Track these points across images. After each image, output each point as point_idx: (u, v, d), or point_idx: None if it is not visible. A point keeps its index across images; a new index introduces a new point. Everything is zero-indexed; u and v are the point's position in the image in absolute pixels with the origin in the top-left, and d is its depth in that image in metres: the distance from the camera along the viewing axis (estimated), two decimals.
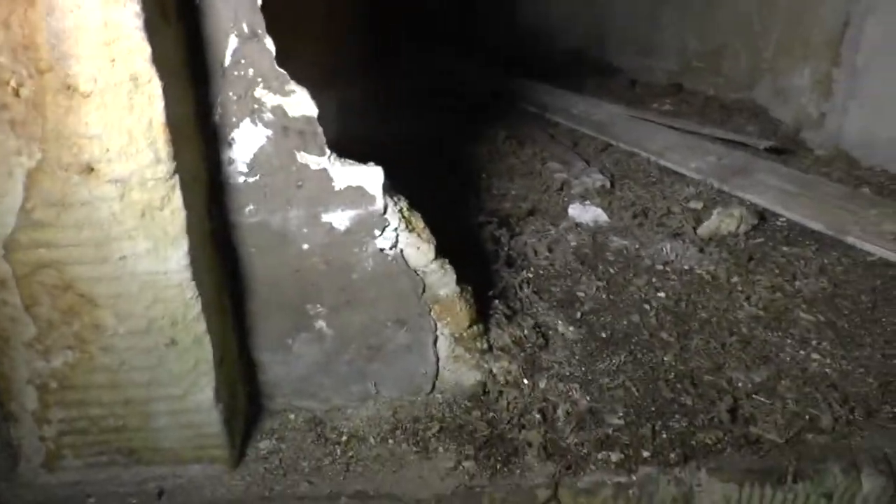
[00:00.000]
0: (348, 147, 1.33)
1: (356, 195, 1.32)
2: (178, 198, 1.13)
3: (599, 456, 1.36)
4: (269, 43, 1.20)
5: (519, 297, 1.76)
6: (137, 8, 1.00)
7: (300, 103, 1.24)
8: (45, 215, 1.11)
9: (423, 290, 1.41)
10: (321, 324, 1.41)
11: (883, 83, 2.70)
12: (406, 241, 1.37)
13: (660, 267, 2.01)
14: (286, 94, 1.23)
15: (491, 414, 1.46)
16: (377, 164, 1.32)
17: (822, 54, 3.01)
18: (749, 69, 3.59)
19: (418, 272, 1.40)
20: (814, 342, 1.67)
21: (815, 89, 3.06)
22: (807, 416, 1.45)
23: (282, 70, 1.22)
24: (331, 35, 2.48)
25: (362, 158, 1.33)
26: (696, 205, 2.48)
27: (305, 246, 1.34)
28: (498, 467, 1.34)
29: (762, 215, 2.34)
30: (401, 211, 1.35)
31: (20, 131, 1.07)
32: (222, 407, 1.29)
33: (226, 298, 1.35)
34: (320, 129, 1.27)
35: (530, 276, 1.89)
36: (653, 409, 1.46)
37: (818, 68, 3.04)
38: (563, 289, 1.85)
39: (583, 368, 1.56)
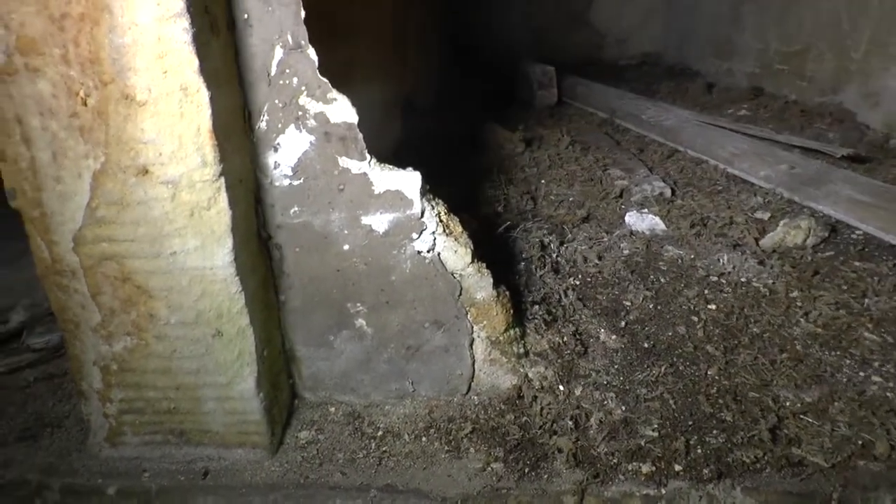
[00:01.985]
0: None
1: (395, 199, 1.36)
2: (223, 199, 1.21)
3: (630, 467, 1.35)
4: (312, 53, 1.26)
5: (562, 304, 1.76)
6: (186, 24, 1.08)
7: (341, 110, 1.30)
8: (108, 213, 1.22)
9: (460, 293, 1.44)
10: (361, 322, 1.47)
11: None
12: (443, 244, 1.40)
13: (714, 278, 1.95)
14: (328, 101, 1.29)
15: (524, 418, 1.47)
16: (418, 168, 1.36)
17: None
18: (835, 71, 3.41)
19: (455, 275, 1.43)
20: (876, 364, 1.59)
21: None
22: (859, 442, 1.38)
23: (324, 79, 1.28)
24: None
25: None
26: (763, 215, 2.39)
27: (346, 247, 1.40)
28: (526, 471, 1.35)
29: (834, 228, 2.24)
30: (438, 215, 1.39)
31: (88, 137, 1.17)
32: (263, 396, 1.37)
33: (271, 294, 1.43)
34: (360, 135, 1.32)
35: (577, 283, 1.88)
36: (690, 422, 1.43)
37: None
38: (609, 297, 1.83)
39: (621, 378, 1.55)
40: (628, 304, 1.81)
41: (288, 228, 1.39)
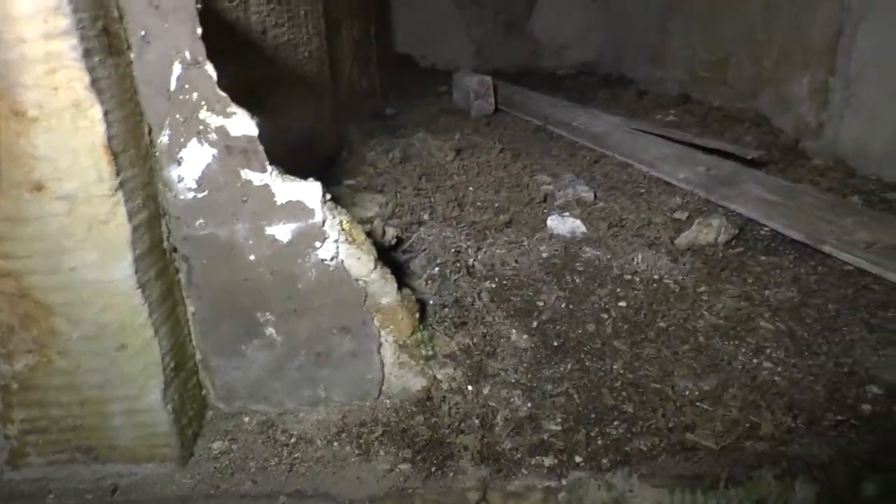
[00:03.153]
0: None
1: (296, 209, 1.40)
2: (122, 213, 1.23)
3: (533, 461, 1.40)
4: (210, 69, 1.29)
5: (475, 306, 1.81)
6: (75, 41, 1.10)
7: (241, 124, 1.33)
8: (2, 229, 1.22)
9: (366, 299, 1.48)
10: (271, 330, 1.49)
11: (876, 92, 2.67)
12: (346, 252, 1.44)
13: (627, 277, 2.04)
14: (228, 115, 1.32)
15: (434, 419, 1.51)
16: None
17: (819, 62, 2.99)
18: (752, 78, 3.57)
19: (360, 282, 1.47)
20: (768, 351, 1.68)
21: (814, 98, 3.04)
22: (747, 424, 1.46)
23: (223, 93, 1.31)
24: None
25: None
26: (681, 215, 2.49)
27: (252, 257, 1.43)
28: (432, 470, 1.39)
29: (744, 226, 2.35)
30: (340, 224, 1.43)
31: None
32: (171, 408, 1.38)
33: (180, 306, 1.45)
34: (261, 148, 1.35)
35: (492, 286, 1.94)
36: (592, 415, 1.49)
37: (816, 77, 3.02)
38: (523, 298, 1.89)
39: (528, 376, 1.61)
40: (541, 304, 1.87)
41: (194, 240, 1.41)
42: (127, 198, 1.24)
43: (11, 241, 1.23)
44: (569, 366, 1.63)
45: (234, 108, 1.32)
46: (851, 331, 1.73)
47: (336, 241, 1.43)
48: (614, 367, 1.64)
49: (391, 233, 1.99)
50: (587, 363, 1.65)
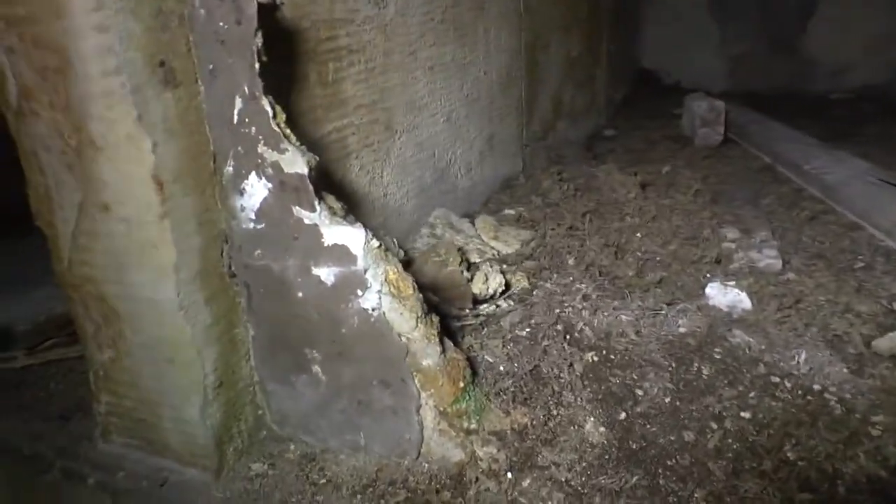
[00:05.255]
0: None
1: (341, 253, 1.35)
2: (168, 239, 1.30)
3: None
4: (267, 104, 1.30)
5: (558, 381, 1.58)
6: (124, 79, 1.18)
7: (293, 161, 1.32)
8: (85, 241, 1.37)
9: (406, 356, 1.38)
10: (317, 369, 1.47)
11: None
12: (389, 305, 1.35)
13: (775, 379, 1.62)
14: (282, 151, 1.32)
15: (458, 500, 1.36)
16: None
17: None
18: None
19: (402, 337, 1.37)
20: None
21: None
22: None
23: (277, 129, 1.31)
24: None
25: None
26: None
27: (300, 294, 1.41)
28: None
29: None
30: (385, 274, 1.34)
31: (74, 172, 1.33)
32: (211, 424, 1.44)
33: (238, 329, 1.49)
34: (311, 187, 1.32)
35: (595, 359, 1.68)
36: None
37: None
38: (623, 382, 1.61)
39: (583, 478, 1.36)
40: (641, 393, 1.57)
41: (252, 269, 1.44)
42: (175, 224, 1.30)
43: (91, 252, 1.38)
44: (636, 479, 1.34)
45: (286, 144, 1.31)
46: None
47: (379, 291, 1.35)
48: (695, 495, 1.31)
49: (497, 280, 1.83)
50: (661, 482, 1.34)
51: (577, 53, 3.65)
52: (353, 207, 1.80)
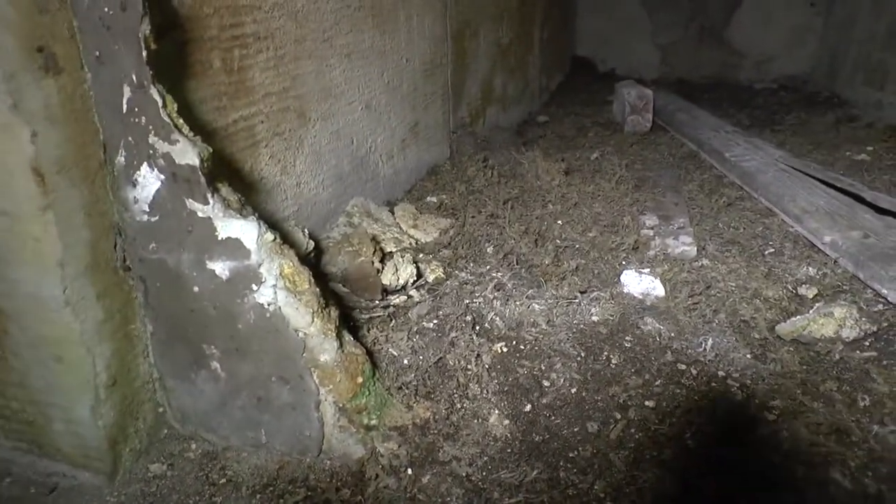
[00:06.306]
0: None
1: (235, 247, 1.31)
2: (52, 232, 1.23)
3: None
4: (156, 93, 1.24)
5: (465, 373, 1.58)
6: None
7: (185, 153, 1.27)
8: None
9: (304, 352, 1.35)
10: (216, 365, 1.43)
11: None
12: (285, 300, 1.32)
13: (681, 366, 1.65)
14: (172, 142, 1.27)
15: (358, 498, 1.34)
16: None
17: None
18: None
19: (299, 333, 1.34)
20: None
21: None
22: None
23: (167, 119, 1.25)
24: None
25: None
26: (808, 292, 1.99)
27: (196, 288, 1.37)
28: None
29: (889, 322, 1.80)
30: (280, 268, 1.31)
31: None
32: (103, 424, 1.39)
33: (133, 325, 1.44)
34: (203, 179, 1.28)
35: (503, 350, 1.68)
36: None
37: None
38: (531, 373, 1.62)
39: (484, 473, 1.36)
40: (548, 384, 1.59)
41: (148, 263, 1.39)
42: (60, 217, 1.23)
43: None
44: (536, 472, 1.35)
45: (177, 135, 1.26)
46: None
47: (274, 286, 1.32)
48: (595, 487, 1.32)
49: (408, 270, 1.82)
50: (561, 474, 1.35)
51: (509, 41, 3.64)
52: (263, 197, 1.76)
